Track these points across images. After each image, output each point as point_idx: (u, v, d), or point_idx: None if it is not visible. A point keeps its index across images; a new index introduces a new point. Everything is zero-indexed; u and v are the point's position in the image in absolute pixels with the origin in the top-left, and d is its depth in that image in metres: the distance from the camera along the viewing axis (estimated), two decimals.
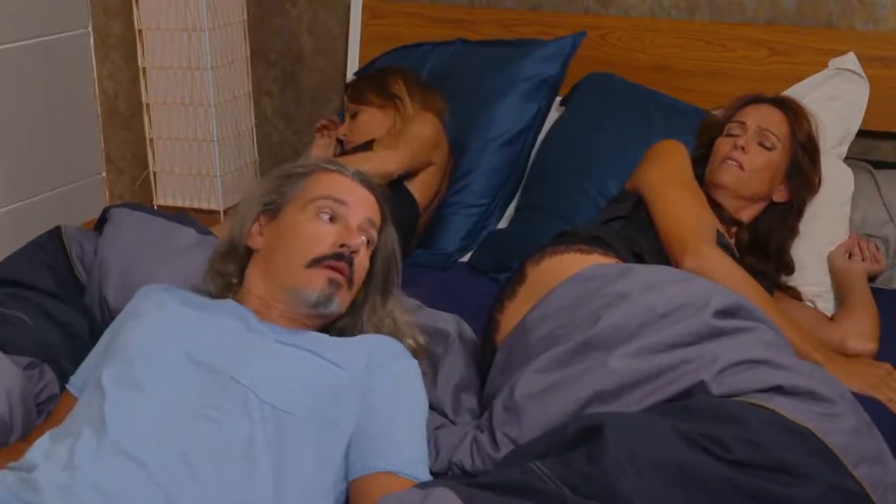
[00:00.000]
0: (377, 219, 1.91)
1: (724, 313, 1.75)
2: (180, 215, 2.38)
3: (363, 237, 1.87)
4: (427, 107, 2.93)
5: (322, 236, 1.83)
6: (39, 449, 1.63)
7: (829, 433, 1.55)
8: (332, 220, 1.85)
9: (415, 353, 1.89)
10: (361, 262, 1.87)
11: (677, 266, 2.17)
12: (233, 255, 1.93)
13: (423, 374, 1.85)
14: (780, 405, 1.58)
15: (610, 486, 1.45)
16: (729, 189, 2.42)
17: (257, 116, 3.56)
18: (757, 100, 2.54)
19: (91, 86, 3.32)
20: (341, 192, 1.88)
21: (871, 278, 2.57)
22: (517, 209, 2.91)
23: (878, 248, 2.58)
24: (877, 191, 2.70)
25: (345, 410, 1.71)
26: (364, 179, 1.93)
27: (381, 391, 1.74)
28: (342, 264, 1.82)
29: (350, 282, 1.84)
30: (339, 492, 1.70)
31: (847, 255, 2.54)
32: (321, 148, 3.13)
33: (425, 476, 1.69)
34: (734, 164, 2.42)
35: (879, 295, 2.46)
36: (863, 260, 2.53)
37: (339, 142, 3.13)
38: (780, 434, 1.53)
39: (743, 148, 2.43)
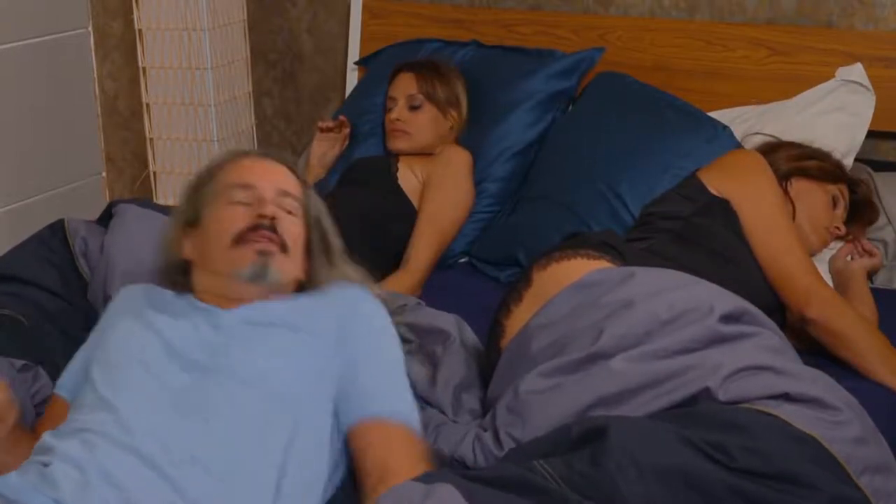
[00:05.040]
0: (294, 188, 1.92)
1: (729, 318, 1.74)
2: None
3: (278, 208, 1.87)
4: (461, 120, 2.96)
5: (237, 215, 1.85)
6: (48, 446, 1.65)
7: (833, 441, 1.55)
8: (245, 204, 1.87)
9: None
10: (289, 227, 1.87)
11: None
12: (174, 270, 1.94)
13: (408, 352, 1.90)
14: (786, 412, 1.58)
15: (611, 487, 1.45)
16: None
17: (257, 116, 3.56)
18: None
19: (91, 85, 3.32)
20: (245, 175, 1.89)
21: (871, 277, 2.58)
22: (522, 200, 2.88)
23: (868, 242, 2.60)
24: (875, 194, 2.69)
25: (330, 382, 1.75)
26: (269, 154, 1.96)
27: (355, 340, 1.78)
28: (263, 232, 1.83)
29: (283, 247, 1.85)
30: (337, 478, 1.74)
31: (848, 259, 2.54)
32: (322, 144, 3.12)
33: (414, 418, 1.75)
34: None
35: (879, 295, 2.47)
36: (860, 257, 2.53)
37: (343, 140, 3.13)
38: (785, 442, 1.52)
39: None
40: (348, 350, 1.77)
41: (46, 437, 1.68)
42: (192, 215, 1.93)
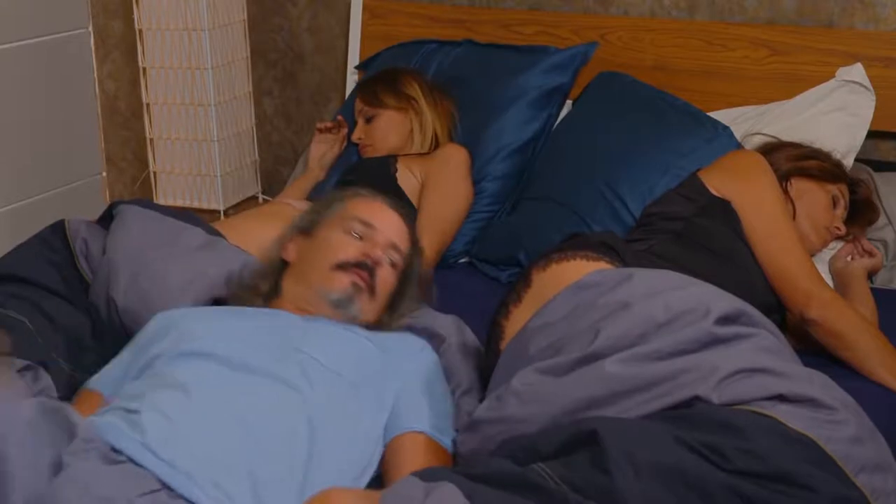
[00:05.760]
0: (404, 245, 2.10)
1: (726, 320, 1.73)
2: (187, 214, 2.37)
3: (387, 256, 2.03)
4: (439, 109, 2.96)
5: (347, 245, 2.03)
6: (136, 393, 1.75)
7: (830, 441, 1.54)
8: (359, 238, 2.03)
9: None
10: (385, 276, 2.04)
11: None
12: (269, 271, 2.11)
13: None
14: (782, 413, 1.57)
15: (610, 486, 1.45)
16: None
17: (257, 116, 3.56)
18: None
19: (91, 85, 3.32)
20: (371, 216, 2.07)
21: (871, 277, 2.58)
22: (522, 200, 2.88)
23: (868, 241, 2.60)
24: (875, 194, 2.70)
25: (386, 388, 1.86)
26: (396, 206, 2.12)
27: (413, 376, 1.91)
28: (364, 273, 2.00)
29: (372, 291, 2.01)
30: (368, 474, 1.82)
31: (849, 260, 2.54)
32: (320, 145, 3.12)
33: (449, 442, 1.86)
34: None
35: (879, 295, 2.47)
36: (860, 257, 2.53)
37: (342, 140, 3.14)
38: (781, 444, 1.52)
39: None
40: (406, 384, 1.89)
41: (133, 387, 1.79)
42: (307, 225, 2.12)
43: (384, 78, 3.01)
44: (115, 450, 1.63)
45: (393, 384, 1.88)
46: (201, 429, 1.67)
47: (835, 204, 2.50)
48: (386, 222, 2.08)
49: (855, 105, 2.76)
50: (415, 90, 2.97)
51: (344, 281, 1.98)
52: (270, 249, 2.15)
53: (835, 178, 2.52)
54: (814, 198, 2.48)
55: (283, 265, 2.10)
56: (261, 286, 2.09)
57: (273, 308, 2.03)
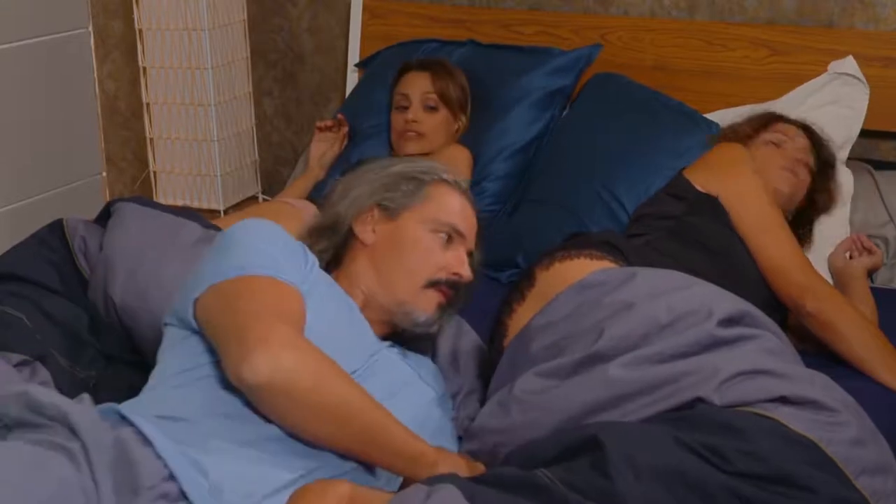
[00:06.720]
0: (474, 247, 1.99)
1: (729, 321, 1.73)
2: (184, 210, 2.37)
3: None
4: (467, 122, 2.98)
5: (439, 258, 1.90)
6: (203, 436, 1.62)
7: (831, 443, 1.54)
8: (447, 239, 1.92)
9: None
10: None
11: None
12: (330, 231, 1.95)
13: None
14: (783, 415, 1.57)
15: (610, 490, 1.45)
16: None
17: (257, 116, 3.56)
18: None
19: (91, 85, 3.32)
20: (460, 219, 1.94)
21: (871, 276, 2.58)
22: (521, 202, 2.89)
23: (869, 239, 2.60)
24: (877, 192, 2.70)
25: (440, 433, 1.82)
26: (472, 198, 2.00)
27: (436, 403, 1.90)
28: (451, 292, 1.91)
29: (450, 306, 1.93)
30: None
31: (847, 257, 2.54)
32: (320, 144, 3.12)
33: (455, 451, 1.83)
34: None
35: (879, 294, 2.47)
36: (859, 255, 2.53)
37: (342, 139, 3.13)
38: (782, 446, 1.52)
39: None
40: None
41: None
42: (390, 204, 1.93)
43: (453, 73, 2.98)
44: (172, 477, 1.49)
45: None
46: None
47: (777, 144, 2.50)
48: (472, 230, 1.96)
49: (849, 98, 2.77)
50: (468, 104, 2.97)
51: (434, 302, 1.88)
52: (341, 208, 1.95)
53: (763, 125, 2.53)
54: (756, 153, 2.47)
55: (353, 237, 1.92)
56: (322, 252, 1.92)
57: (342, 287, 1.88)
